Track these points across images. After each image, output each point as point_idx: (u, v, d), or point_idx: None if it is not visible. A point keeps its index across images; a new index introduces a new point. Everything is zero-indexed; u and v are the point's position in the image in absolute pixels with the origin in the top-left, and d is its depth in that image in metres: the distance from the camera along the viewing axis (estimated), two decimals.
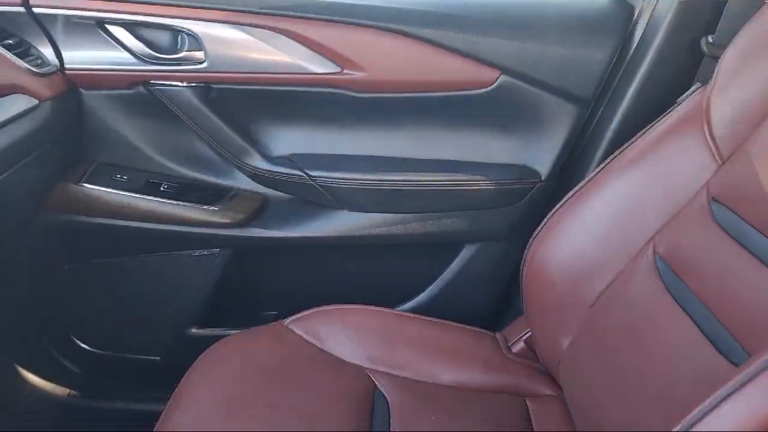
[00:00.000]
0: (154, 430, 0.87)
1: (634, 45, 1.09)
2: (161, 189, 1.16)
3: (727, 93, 0.88)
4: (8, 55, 0.98)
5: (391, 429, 0.89)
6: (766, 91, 0.84)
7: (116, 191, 1.13)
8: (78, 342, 1.30)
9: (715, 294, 0.77)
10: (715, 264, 0.79)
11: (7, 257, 1.11)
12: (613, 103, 1.10)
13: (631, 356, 0.84)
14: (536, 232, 1.00)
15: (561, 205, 1.00)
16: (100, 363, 1.32)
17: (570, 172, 1.15)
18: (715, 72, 0.91)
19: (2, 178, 0.95)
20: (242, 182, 1.19)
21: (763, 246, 0.74)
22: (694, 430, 0.56)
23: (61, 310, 1.27)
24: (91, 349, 1.31)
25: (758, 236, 0.75)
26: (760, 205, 0.76)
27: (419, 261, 1.24)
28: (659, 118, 0.95)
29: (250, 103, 1.15)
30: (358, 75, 1.09)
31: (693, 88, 0.94)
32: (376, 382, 0.96)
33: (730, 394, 0.56)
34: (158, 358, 1.30)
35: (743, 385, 0.56)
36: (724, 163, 0.85)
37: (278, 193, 1.19)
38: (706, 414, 0.57)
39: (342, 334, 1.04)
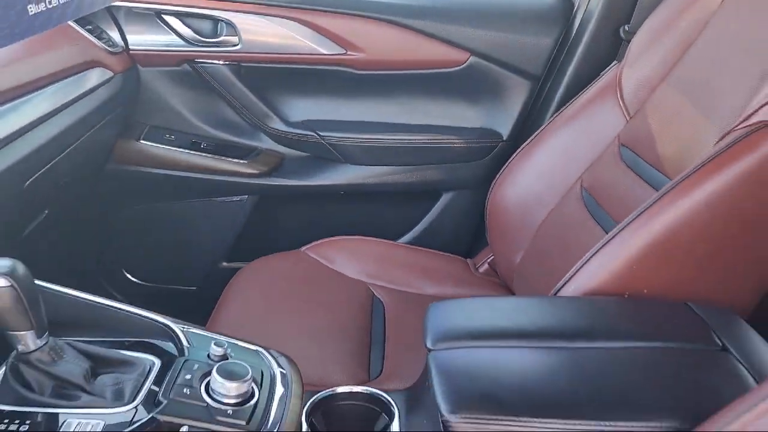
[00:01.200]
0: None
1: (574, 32, 1.40)
2: (201, 146, 1.45)
3: (633, 67, 1.19)
4: (90, 37, 1.27)
5: (386, 322, 1.19)
6: (661, 66, 1.15)
7: (166, 147, 1.43)
8: (127, 275, 1.59)
9: (621, 211, 1.07)
10: (622, 191, 1.10)
11: (79, 200, 1.40)
12: (558, 78, 1.41)
13: (561, 262, 1.09)
14: (496, 177, 1.31)
15: (515, 156, 1.30)
16: (144, 293, 1.60)
17: (525, 133, 1.45)
18: (626, 52, 1.22)
19: (86, 137, 1.24)
20: (265, 142, 1.48)
21: (654, 176, 1.05)
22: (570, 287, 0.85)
23: (115, 246, 1.56)
24: (137, 281, 1.60)
25: (650, 169, 1.06)
26: (652, 146, 1.07)
27: (408, 205, 1.54)
28: (585, 88, 1.26)
29: (272, 78, 1.45)
30: (358, 56, 1.39)
31: (612, 65, 1.25)
32: (374, 292, 1.25)
33: (593, 255, 0.87)
34: (195, 288, 1.59)
35: (603, 245, 0.87)
36: (630, 119, 1.16)
37: (294, 150, 1.49)
38: (577, 271, 0.87)
39: (347, 257, 1.33)
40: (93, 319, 0.74)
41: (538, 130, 1.28)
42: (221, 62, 1.40)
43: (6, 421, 0.60)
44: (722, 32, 1.05)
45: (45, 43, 1.15)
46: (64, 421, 0.61)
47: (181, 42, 1.38)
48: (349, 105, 1.47)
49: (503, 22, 1.40)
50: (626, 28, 1.31)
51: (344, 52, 1.39)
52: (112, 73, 1.28)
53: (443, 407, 0.61)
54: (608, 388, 0.68)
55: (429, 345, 0.73)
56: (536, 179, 1.26)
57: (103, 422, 0.62)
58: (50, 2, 0.66)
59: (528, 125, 1.45)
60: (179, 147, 1.43)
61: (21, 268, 0.62)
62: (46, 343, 0.65)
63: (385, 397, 0.78)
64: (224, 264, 1.56)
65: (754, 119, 0.84)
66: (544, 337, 0.75)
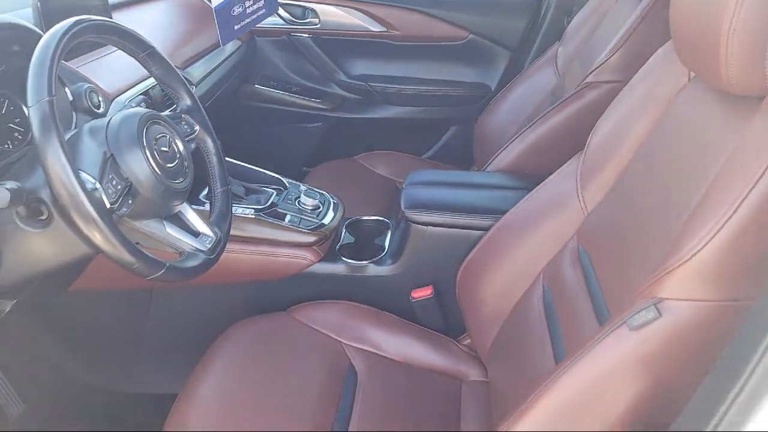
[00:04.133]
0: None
1: (539, 19, 2.07)
2: (292, 90, 2.24)
3: (565, 45, 1.87)
4: None
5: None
6: (581, 43, 1.81)
7: (271, 90, 2.22)
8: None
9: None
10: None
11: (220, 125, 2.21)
12: (527, 50, 2.09)
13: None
14: (482, 112, 1.98)
15: (494, 99, 2.00)
16: None
17: (504, 85, 2.14)
18: (564, 34, 1.89)
19: (226, 85, 2.03)
20: (333, 89, 2.25)
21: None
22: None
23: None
24: None
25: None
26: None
27: (427, 133, 2.28)
28: (538, 58, 1.95)
29: (339, 46, 2.20)
30: (394, 33, 2.13)
31: (555, 43, 1.93)
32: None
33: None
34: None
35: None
36: (560, 77, 1.84)
37: (351, 94, 2.25)
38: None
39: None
40: (240, 173, 1.53)
41: (507, 85, 1.99)
42: (307, 35, 2.17)
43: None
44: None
45: (202, 29, 1.94)
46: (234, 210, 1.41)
47: (282, 21, 2.15)
48: (387, 65, 2.21)
49: (491, 10, 2.10)
50: (568, 18, 1.98)
51: (385, 30, 2.13)
52: (240, 42, 2.07)
53: (403, 206, 1.36)
54: None
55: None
56: (507, 117, 1.94)
57: (254, 209, 1.41)
58: (246, 16, 1.44)
59: (506, 81, 2.15)
60: (279, 90, 2.22)
61: None
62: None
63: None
64: (304, 168, 2.35)
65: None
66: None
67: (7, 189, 0.84)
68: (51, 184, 0.83)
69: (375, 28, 2.13)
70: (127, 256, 0.87)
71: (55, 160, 0.82)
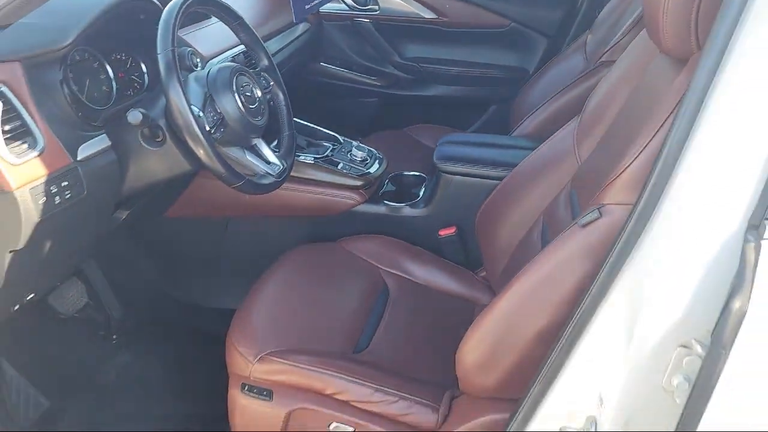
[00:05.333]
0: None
1: (575, 10, 2.30)
2: (353, 68, 2.54)
3: (594, 33, 2.09)
4: None
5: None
6: (607, 31, 2.04)
7: (334, 67, 2.54)
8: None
9: None
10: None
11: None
12: (562, 37, 2.33)
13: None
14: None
15: (528, 81, 2.25)
16: None
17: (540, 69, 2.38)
18: (594, 24, 2.12)
19: (294, 62, 2.35)
20: (388, 68, 2.54)
21: None
22: None
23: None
24: None
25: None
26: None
27: (469, 111, 2.54)
28: (571, 45, 2.18)
29: (395, 30, 2.49)
30: (444, 19, 2.40)
31: (586, 32, 2.16)
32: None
33: None
34: None
35: None
36: (587, 62, 2.07)
37: (404, 74, 2.53)
38: None
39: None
40: (304, 129, 1.84)
41: (542, 68, 2.23)
42: (367, 20, 2.47)
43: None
44: None
45: (278, 11, 2.26)
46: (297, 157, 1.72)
47: (347, 8, 2.46)
48: (437, 48, 2.49)
49: (532, 2, 2.34)
50: (599, 10, 2.20)
51: (437, 17, 2.41)
52: (310, 25, 2.39)
53: (435, 158, 1.65)
54: None
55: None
56: (539, 96, 2.19)
57: (313, 157, 1.72)
58: None
59: (543, 65, 2.39)
60: (341, 68, 2.54)
61: None
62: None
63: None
64: (359, 138, 2.65)
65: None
66: None
67: (140, 112, 1.18)
68: (171, 110, 1.16)
69: (427, 15, 2.41)
70: (219, 167, 1.19)
71: (175, 93, 1.14)
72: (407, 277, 1.59)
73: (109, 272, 1.79)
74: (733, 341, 0.63)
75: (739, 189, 0.68)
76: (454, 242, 1.66)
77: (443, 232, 1.66)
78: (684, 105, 0.73)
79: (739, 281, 0.64)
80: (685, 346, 0.69)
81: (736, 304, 0.63)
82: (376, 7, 2.43)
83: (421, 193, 1.76)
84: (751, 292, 0.63)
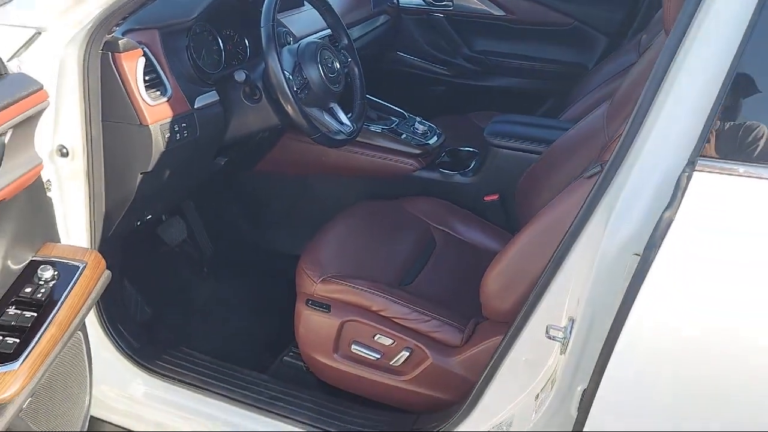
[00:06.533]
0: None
1: (636, 11, 2.48)
2: (425, 58, 2.81)
3: (648, 32, 2.26)
4: None
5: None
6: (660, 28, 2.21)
7: (409, 56, 2.81)
8: None
9: None
10: None
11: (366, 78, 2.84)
12: (623, 36, 2.51)
13: None
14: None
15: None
16: None
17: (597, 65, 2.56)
18: (649, 24, 2.29)
19: (374, 49, 2.64)
20: (458, 60, 2.79)
21: None
22: None
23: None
24: None
25: None
26: None
27: (530, 102, 2.75)
28: (628, 43, 2.36)
29: (466, 25, 2.74)
30: (512, 17, 2.63)
31: (641, 32, 2.33)
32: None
33: None
34: None
35: None
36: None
37: (471, 65, 2.77)
38: None
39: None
40: (375, 105, 2.13)
41: (599, 65, 2.42)
42: (441, 15, 2.73)
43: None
44: None
45: (359, 3, 2.56)
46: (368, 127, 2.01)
47: (423, 3, 2.73)
48: (503, 43, 2.72)
49: (596, 2, 2.53)
50: (656, 12, 2.37)
51: (505, 14, 2.64)
52: (389, 17, 2.68)
53: (485, 132, 1.90)
54: None
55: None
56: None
57: (381, 127, 2.00)
58: None
59: (600, 59, 2.58)
60: (415, 57, 2.81)
61: None
62: None
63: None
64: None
65: None
66: None
67: (244, 72, 1.49)
68: (267, 73, 1.47)
69: (497, 12, 2.64)
70: (302, 120, 1.49)
71: (272, 59, 1.45)
72: (452, 233, 1.85)
73: (204, 215, 2.13)
74: (662, 242, 0.85)
75: (682, 136, 0.90)
76: (497, 207, 1.90)
77: (487, 198, 1.91)
78: (652, 74, 0.95)
79: (673, 200, 0.86)
80: (637, 254, 0.92)
81: (666, 214, 0.85)
82: (450, 4, 2.69)
83: (472, 165, 2.01)
84: (679, 206, 0.85)
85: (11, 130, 0.93)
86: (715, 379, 0.92)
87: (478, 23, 2.71)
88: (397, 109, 2.12)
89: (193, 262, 2.12)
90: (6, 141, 0.92)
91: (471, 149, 2.10)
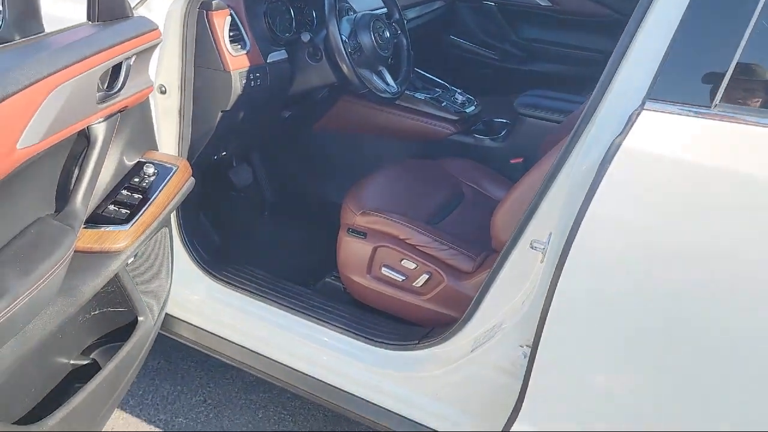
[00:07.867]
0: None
1: None
2: (475, 42, 3.07)
3: None
4: None
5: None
6: None
7: (461, 40, 3.08)
8: None
9: None
10: None
11: (419, 57, 3.13)
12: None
13: None
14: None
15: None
16: None
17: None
18: None
19: (428, 30, 2.92)
20: (504, 45, 3.03)
21: None
22: None
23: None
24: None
25: None
26: None
27: (570, 88, 2.96)
28: None
29: (515, 14, 2.98)
30: (557, 7, 2.86)
31: None
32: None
33: None
34: None
35: None
36: None
37: (516, 50, 3.01)
38: None
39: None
40: (421, 76, 2.42)
41: None
42: (493, 3, 2.99)
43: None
44: None
45: None
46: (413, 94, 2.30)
47: None
48: (548, 31, 2.95)
49: None
50: None
51: (551, 5, 2.87)
52: (444, 2, 2.95)
53: (515, 103, 2.16)
54: None
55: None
56: None
57: (424, 95, 2.29)
58: None
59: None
60: (466, 41, 3.07)
61: None
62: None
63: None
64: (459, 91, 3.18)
65: None
66: None
67: (309, 34, 1.81)
68: (327, 37, 1.78)
69: (543, 2, 2.88)
70: (354, 78, 1.80)
71: (332, 25, 1.77)
72: (480, 189, 2.12)
73: (268, 165, 2.48)
74: (611, 161, 1.11)
75: (637, 80, 1.16)
76: (521, 168, 2.15)
77: (513, 161, 2.16)
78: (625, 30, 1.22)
79: (626, 127, 1.12)
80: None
81: (617, 140, 1.11)
82: None
83: (503, 133, 2.27)
84: (629, 133, 1.11)
85: (135, 56, 1.27)
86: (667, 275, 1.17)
87: (526, 12, 2.95)
88: (440, 81, 2.40)
89: (255, 205, 2.47)
90: (132, 63, 1.26)
91: (504, 120, 2.36)
